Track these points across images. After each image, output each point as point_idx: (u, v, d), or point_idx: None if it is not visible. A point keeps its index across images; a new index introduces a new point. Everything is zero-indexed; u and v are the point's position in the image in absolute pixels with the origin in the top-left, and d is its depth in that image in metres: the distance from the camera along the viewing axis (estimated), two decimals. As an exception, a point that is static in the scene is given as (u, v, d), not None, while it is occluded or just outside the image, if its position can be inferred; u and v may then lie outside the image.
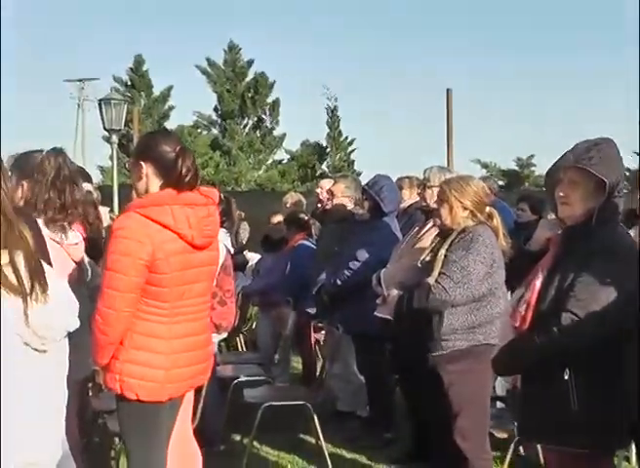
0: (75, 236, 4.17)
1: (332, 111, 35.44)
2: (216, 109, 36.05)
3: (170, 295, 3.60)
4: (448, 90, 14.96)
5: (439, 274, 4.56)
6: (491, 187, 6.48)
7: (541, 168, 31.53)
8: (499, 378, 5.34)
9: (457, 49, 53.00)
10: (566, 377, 3.25)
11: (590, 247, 3.30)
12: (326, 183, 9.63)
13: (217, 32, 59.69)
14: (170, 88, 36.33)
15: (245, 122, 35.98)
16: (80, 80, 46.02)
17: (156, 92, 36.26)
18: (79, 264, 4.23)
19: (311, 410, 5.48)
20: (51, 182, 4.09)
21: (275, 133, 36.16)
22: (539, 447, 4.81)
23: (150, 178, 3.67)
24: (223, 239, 5.24)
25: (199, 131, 36.05)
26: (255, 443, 5.87)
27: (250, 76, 35.77)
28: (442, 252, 4.64)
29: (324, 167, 35.45)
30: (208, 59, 35.86)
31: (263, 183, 33.48)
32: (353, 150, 36.18)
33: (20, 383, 2.83)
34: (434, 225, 5.24)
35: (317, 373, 7.34)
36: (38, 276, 2.83)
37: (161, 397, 3.64)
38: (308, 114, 60.39)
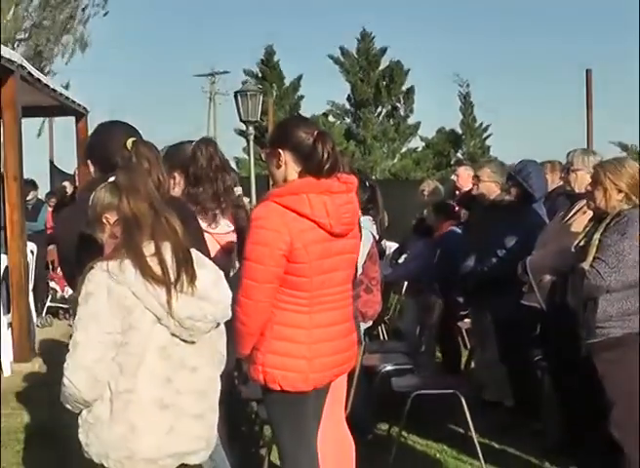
0: (226, 225, 4.20)
1: (464, 97, 34.98)
2: (349, 98, 36.12)
3: (309, 285, 3.56)
4: (587, 70, 14.52)
5: (594, 259, 4.40)
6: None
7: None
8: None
9: (596, 29, 51.38)
10: None
11: None
12: (462, 170, 9.56)
13: (349, 21, 59.88)
14: (300, 77, 36.60)
15: (379, 111, 35.90)
16: (211, 74, 47.06)
17: (287, 82, 36.58)
18: (229, 254, 4.26)
19: (462, 400, 5.39)
20: (203, 172, 4.14)
21: (409, 121, 35.96)
22: None
23: (289, 166, 3.59)
24: (369, 227, 5.20)
25: (332, 120, 36.15)
26: (402, 432, 5.80)
27: (383, 64, 35.63)
28: (596, 236, 4.48)
29: (459, 154, 34.99)
30: (341, 48, 35.95)
31: (398, 172, 33.33)
32: (488, 136, 35.61)
33: (172, 374, 2.87)
34: (581, 209, 5.08)
35: (461, 363, 7.25)
36: (186, 266, 2.86)
37: (305, 387, 3.60)
38: (443, 101, 59.71)
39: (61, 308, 12.15)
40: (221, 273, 3.05)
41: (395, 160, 35.19)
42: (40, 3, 25.88)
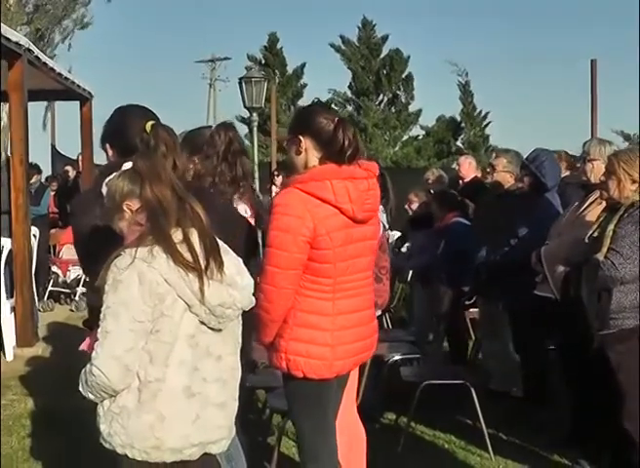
0: (244, 210, 4.17)
1: (463, 86, 34.90)
2: (350, 86, 36.02)
3: (333, 271, 3.54)
4: (592, 60, 14.51)
5: (608, 250, 4.38)
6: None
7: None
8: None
9: (600, 18, 51.28)
10: None
11: None
12: (464, 160, 9.58)
13: (350, 9, 59.70)
14: (303, 65, 36.51)
15: (380, 99, 35.83)
16: (211, 60, 46.86)
17: (289, 70, 36.47)
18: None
19: (471, 390, 5.38)
20: (222, 156, 4.12)
21: (410, 109, 35.88)
22: None
23: (309, 152, 3.59)
24: (379, 215, 5.16)
25: (334, 108, 35.98)
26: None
27: (384, 52, 35.53)
28: (610, 227, 4.45)
29: (458, 143, 34.93)
30: (342, 37, 35.84)
31: (399, 160, 33.25)
32: (488, 124, 35.55)
33: (199, 362, 2.84)
34: (596, 199, 5.05)
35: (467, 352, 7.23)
36: (213, 253, 2.82)
37: (328, 374, 3.59)
38: (444, 89, 59.62)
39: (63, 292, 12.14)
40: (241, 259, 3.02)
41: (397, 148, 35.10)
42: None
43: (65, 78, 11.01)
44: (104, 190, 3.06)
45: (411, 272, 7.99)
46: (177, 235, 2.79)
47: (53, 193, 13.71)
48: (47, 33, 25.70)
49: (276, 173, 13.69)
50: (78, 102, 12.46)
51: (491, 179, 6.69)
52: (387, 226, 5.64)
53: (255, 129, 17.47)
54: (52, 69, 10.23)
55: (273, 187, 13.20)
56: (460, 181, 9.22)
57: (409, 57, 35.27)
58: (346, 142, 3.52)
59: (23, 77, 8.80)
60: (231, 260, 2.93)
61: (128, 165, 3.01)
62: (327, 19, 58.80)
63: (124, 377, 2.73)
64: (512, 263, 5.87)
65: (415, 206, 7.78)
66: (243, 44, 71.88)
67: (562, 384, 5.82)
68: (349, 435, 4.14)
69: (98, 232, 3.22)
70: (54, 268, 12.27)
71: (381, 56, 35.54)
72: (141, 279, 2.71)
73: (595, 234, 4.60)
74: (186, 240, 2.78)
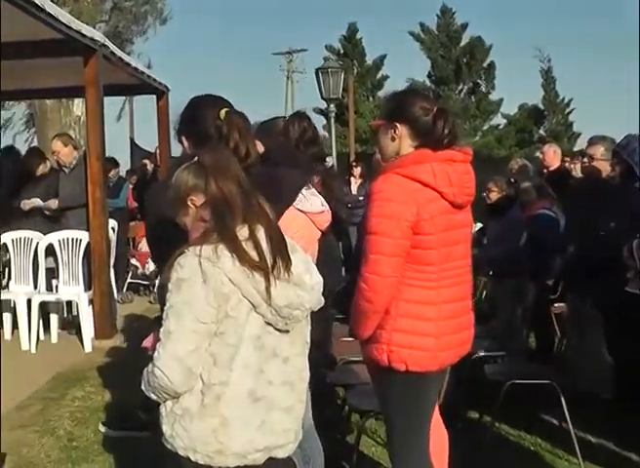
0: (321, 204, 4.03)
1: (546, 73, 34.29)
2: (429, 75, 35.75)
3: (436, 258, 3.42)
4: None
5: None
6: None
7: None
8: None
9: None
10: None
11: None
12: (548, 148, 9.32)
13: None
14: (383, 57, 36.34)
15: (460, 87, 35.45)
16: (289, 52, 47.12)
17: (369, 60, 36.37)
18: (325, 234, 4.09)
19: (558, 391, 5.13)
20: (295, 145, 4.00)
21: (491, 97, 35.40)
22: None
23: (404, 140, 3.50)
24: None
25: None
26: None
27: (464, 40, 35.13)
28: None
29: (541, 131, 34.38)
30: (421, 25, 35.56)
31: (480, 150, 32.84)
32: (571, 111, 34.85)
33: (264, 365, 2.70)
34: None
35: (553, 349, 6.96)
36: (280, 251, 2.68)
37: (432, 366, 3.47)
38: (525, 77, 58.77)
39: (142, 284, 12.25)
40: (310, 257, 2.87)
41: (477, 137, 34.70)
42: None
43: (141, 72, 11.06)
44: None
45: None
46: (242, 232, 2.65)
47: (132, 186, 13.82)
48: (125, 30, 25.95)
49: (354, 163, 13.58)
50: (155, 96, 12.51)
51: (586, 169, 6.35)
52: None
53: (332, 120, 17.38)
54: (127, 64, 10.28)
55: (352, 178, 13.09)
56: (545, 170, 8.97)
57: (491, 45, 34.85)
58: (445, 132, 3.42)
59: (99, 72, 8.84)
60: (299, 259, 2.78)
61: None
62: (405, 8, 58.39)
63: (186, 380, 2.61)
64: (602, 258, 5.58)
65: (493, 195, 7.53)
66: (322, 35, 71.95)
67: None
68: (433, 435, 3.98)
69: (166, 226, 3.13)
70: (133, 260, 12.39)
71: (461, 44, 35.15)
72: (206, 278, 2.58)
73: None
74: (252, 237, 2.64)
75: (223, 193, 2.67)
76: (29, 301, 8.57)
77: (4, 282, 9.25)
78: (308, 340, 2.90)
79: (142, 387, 2.71)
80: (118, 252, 10.47)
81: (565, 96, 34.83)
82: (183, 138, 3.61)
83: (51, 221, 9.25)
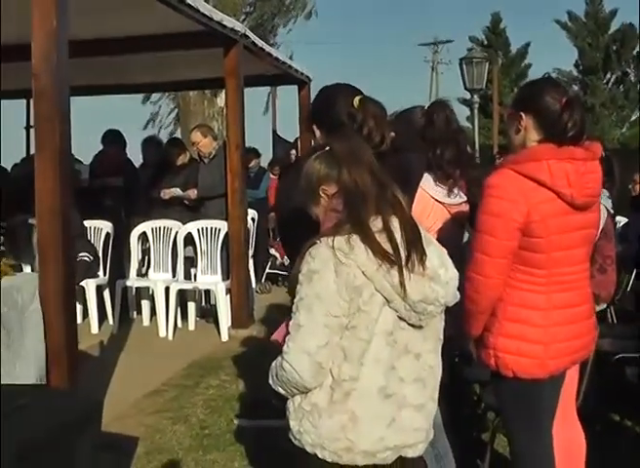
0: (459, 196, 3.92)
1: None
2: (576, 65, 34.76)
3: (547, 262, 3.26)
4: None
5: None
6: None
7: None
8: None
9: None
10: None
11: None
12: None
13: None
14: (527, 45, 35.58)
15: (607, 77, 34.29)
16: (434, 43, 46.82)
17: (513, 50, 35.71)
18: (461, 227, 3.98)
19: None
20: (442, 135, 3.90)
21: (640, 87, 34.13)
22: None
23: (529, 131, 3.33)
24: (604, 201, 4.75)
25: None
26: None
27: (613, 28, 33.96)
28: None
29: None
30: (569, 13, 34.62)
31: (627, 141, 31.70)
32: None
33: (396, 361, 2.62)
34: None
35: None
36: (415, 243, 2.58)
37: (540, 374, 3.32)
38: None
39: (280, 275, 12.32)
40: (445, 250, 2.76)
41: (624, 129, 33.47)
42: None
43: (282, 63, 11.10)
44: None
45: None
46: (376, 223, 2.57)
47: (274, 177, 13.92)
48: (268, 22, 26.19)
49: (498, 156, 13.31)
50: (296, 87, 12.55)
51: None
52: (612, 212, 5.18)
53: (476, 111, 17.17)
54: (269, 54, 10.33)
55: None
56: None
57: (643, 31, 33.50)
58: (570, 124, 3.23)
59: (239, 63, 8.94)
60: (434, 251, 2.67)
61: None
62: (552, -4, 56.74)
63: (316, 374, 2.55)
64: None
65: (639, 187, 7.20)
66: (466, 27, 70.86)
67: None
68: (567, 439, 3.83)
69: (297, 216, 3.09)
70: (272, 251, 12.49)
71: (610, 31, 33.97)
72: (338, 271, 2.51)
73: None
74: (386, 229, 2.56)
75: (356, 183, 2.60)
76: (167, 289, 8.77)
77: (143, 270, 9.52)
78: (442, 336, 2.80)
79: (270, 381, 2.68)
80: (258, 242, 10.59)
81: None
82: (315, 128, 3.58)
83: (190, 211, 9.46)
